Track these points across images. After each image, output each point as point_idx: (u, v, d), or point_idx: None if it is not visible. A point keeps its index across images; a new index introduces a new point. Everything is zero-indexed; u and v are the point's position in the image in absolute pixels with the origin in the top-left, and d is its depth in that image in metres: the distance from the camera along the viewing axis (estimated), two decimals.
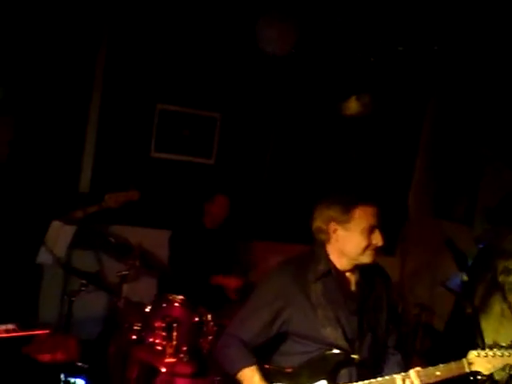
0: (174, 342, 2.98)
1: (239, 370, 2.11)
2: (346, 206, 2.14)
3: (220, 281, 3.80)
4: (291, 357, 2.17)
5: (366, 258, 2.15)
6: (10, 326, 2.23)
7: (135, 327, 3.16)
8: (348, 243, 2.14)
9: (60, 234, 3.39)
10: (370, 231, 2.12)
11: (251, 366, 2.11)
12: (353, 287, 2.20)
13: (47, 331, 2.01)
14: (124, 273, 3.31)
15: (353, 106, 4.60)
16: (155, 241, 4.06)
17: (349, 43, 4.24)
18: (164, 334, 3.02)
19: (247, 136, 4.63)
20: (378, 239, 2.13)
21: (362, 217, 2.12)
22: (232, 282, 3.81)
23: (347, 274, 2.21)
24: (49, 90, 4.03)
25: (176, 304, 3.17)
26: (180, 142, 4.47)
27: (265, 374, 2.11)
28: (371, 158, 4.90)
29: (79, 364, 3.12)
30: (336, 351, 2.10)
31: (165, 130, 4.42)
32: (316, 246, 2.22)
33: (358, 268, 2.20)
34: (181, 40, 4.31)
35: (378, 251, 2.15)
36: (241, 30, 4.29)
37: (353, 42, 4.21)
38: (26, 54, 3.92)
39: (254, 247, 4.63)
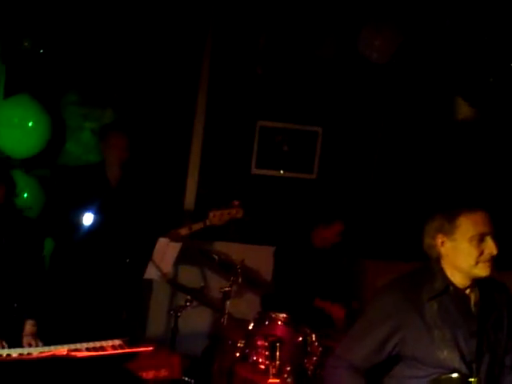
0: (278, 362, 2.91)
1: None
2: (450, 215, 2.00)
3: (323, 306, 3.67)
4: (403, 381, 2.03)
5: (481, 271, 1.98)
6: (117, 342, 2.29)
7: (239, 344, 3.14)
8: (458, 255, 1.99)
9: (166, 251, 3.47)
10: (480, 239, 1.95)
11: None
12: (472, 307, 2.03)
13: (151, 348, 2.03)
14: (227, 289, 3.31)
15: (464, 110, 4.27)
16: (257, 257, 4.04)
17: (457, 45, 3.99)
18: (267, 353, 2.96)
19: (350, 149, 4.50)
20: (490, 248, 1.95)
21: (468, 224, 1.96)
22: (335, 311, 3.66)
23: (466, 292, 2.04)
24: (154, 112, 4.20)
25: (279, 322, 3.11)
26: (280, 157, 4.45)
27: None
28: (486, 165, 4.53)
29: (185, 379, 3.17)
30: (454, 375, 1.94)
31: (265, 147, 4.42)
32: (431, 262, 2.07)
33: (476, 285, 2.03)
34: (279, 55, 4.31)
35: (493, 262, 1.97)
36: (340, 41, 4.21)
37: (462, 44, 3.96)
38: (132, 76, 4.13)
39: (362, 266, 4.46)
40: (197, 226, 3.49)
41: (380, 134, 4.52)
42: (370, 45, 3.96)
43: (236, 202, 3.53)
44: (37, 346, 2.42)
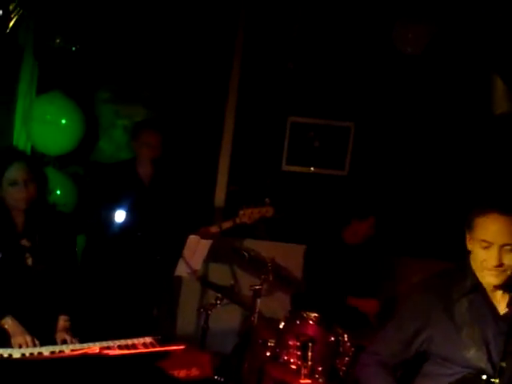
0: (310, 363, 2.86)
1: None
2: (473, 213, 1.94)
3: (357, 303, 3.62)
4: (433, 379, 2.01)
5: (487, 278, 1.93)
6: (148, 340, 2.28)
7: (269, 344, 3.11)
8: (473, 256, 1.96)
9: (197, 248, 3.46)
10: (487, 246, 1.88)
11: None
12: (501, 306, 1.97)
13: (183, 347, 2.01)
14: (257, 287, 3.28)
15: (504, 103, 4.08)
16: (288, 255, 4.01)
17: (493, 32, 3.85)
18: (299, 353, 2.92)
19: (383, 144, 4.41)
20: (491, 258, 1.87)
21: (482, 227, 1.88)
22: (369, 307, 3.60)
23: (496, 293, 1.99)
24: (185, 108, 4.20)
25: (310, 322, 3.05)
26: (311, 154, 4.39)
27: None
28: None
29: (215, 377, 3.15)
30: (481, 376, 1.91)
31: (296, 143, 4.37)
32: (466, 260, 2.02)
33: (506, 286, 1.96)
34: (309, 50, 4.25)
35: (502, 272, 1.89)
36: (373, 35, 4.13)
37: (498, 30, 3.82)
38: (163, 72, 4.13)
39: (395, 264, 4.37)
40: (227, 224, 3.47)
41: (414, 127, 4.41)
42: (404, 37, 3.88)
43: (267, 201, 3.49)
44: (71, 341, 2.43)
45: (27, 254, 2.51)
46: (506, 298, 1.97)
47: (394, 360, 2.04)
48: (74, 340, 2.44)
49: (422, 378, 2.05)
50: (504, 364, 1.89)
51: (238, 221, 3.43)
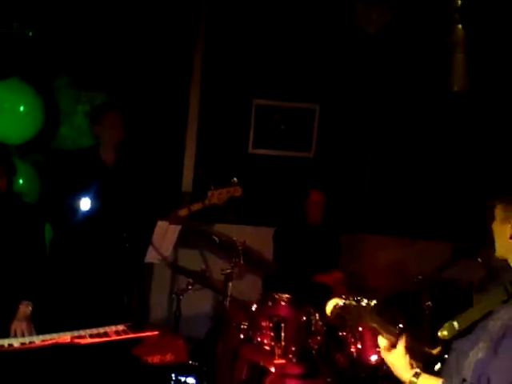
0: (283, 343, 2.89)
1: None
2: None
3: (322, 279, 3.67)
4: None
5: None
6: (120, 327, 2.26)
7: (242, 326, 3.12)
8: None
9: (166, 234, 3.43)
10: None
11: None
12: None
13: (156, 333, 2.00)
14: (228, 271, 3.28)
15: (461, 81, 4.10)
16: (258, 238, 4.01)
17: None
18: (272, 334, 2.95)
19: (348, 126, 4.44)
20: None
21: None
22: (334, 279, 3.66)
23: None
24: (149, 93, 4.13)
25: (282, 303, 3.09)
26: (278, 136, 4.39)
27: None
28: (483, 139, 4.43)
29: (189, 362, 3.15)
30: None
31: (262, 126, 4.36)
32: None
33: None
34: (273, 32, 4.23)
35: None
36: (337, 16, 4.13)
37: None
38: (124, 57, 4.04)
39: (360, 241, 4.45)
40: (196, 207, 3.44)
41: (378, 109, 4.45)
42: (366, 17, 3.88)
43: (234, 180, 3.47)
44: (28, 331, 2.35)
45: None
46: None
47: None
48: (28, 331, 2.35)
49: None
50: None
51: (207, 202, 3.41)
